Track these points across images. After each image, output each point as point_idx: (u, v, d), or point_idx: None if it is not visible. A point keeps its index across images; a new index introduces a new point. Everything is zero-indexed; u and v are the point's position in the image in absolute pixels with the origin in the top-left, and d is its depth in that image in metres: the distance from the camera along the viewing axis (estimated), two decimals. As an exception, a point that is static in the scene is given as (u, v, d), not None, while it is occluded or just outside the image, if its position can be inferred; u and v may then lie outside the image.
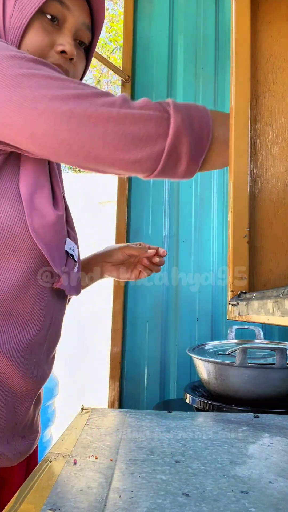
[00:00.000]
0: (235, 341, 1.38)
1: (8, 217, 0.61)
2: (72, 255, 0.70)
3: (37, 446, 0.80)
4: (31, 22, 0.63)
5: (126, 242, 1.75)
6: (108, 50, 6.14)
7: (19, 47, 0.63)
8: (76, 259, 0.71)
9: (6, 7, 0.63)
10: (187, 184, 1.79)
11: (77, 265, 0.72)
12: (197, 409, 1.10)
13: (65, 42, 0.65)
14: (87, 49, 0.73)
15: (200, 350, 1.29)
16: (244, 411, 1.00)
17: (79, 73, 0.71)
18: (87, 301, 3.72)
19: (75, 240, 0.74)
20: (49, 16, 0.64)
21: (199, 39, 1.85)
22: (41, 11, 0.63)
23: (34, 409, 0.74)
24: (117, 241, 1.75)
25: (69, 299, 0.79)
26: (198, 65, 1.84)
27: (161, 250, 0.89)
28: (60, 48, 0.65)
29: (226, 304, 1.48)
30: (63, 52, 0.65)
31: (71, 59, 0.67)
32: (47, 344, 0.71)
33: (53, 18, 0.65)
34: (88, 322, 3.51)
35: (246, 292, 1.29)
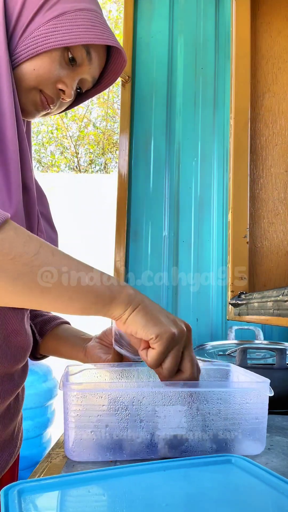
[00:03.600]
0: (235, 341, 1.38)
1: None
2: None
3: (17, 458, 0.75)
4: (54, 49, 0.63)
5: (126, 243, 1.76)
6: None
7: (25, 59, 0.62)
8: None
9: (39, 12, 0.61)
10: (187, 185, 1.79)
11: None
12: (197, 410, 1.10)
13: (69, 85, 0.66)
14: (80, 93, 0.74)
15: (199, 350, 1.29)
16: (244, 411, 1.00)
17: (60, 111, 0.73)
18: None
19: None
20: (70, 56, 0.64)
21: (199, 40, 1.85)
22: (67, 46, 0.64)
23: (7, 424, 0.67)
24: (117, 242, 1.75)
25: None
26: (198, 65, 1.84)
27: None
28: (62, 87, 0.66)
29: (226, 304, 1.48)
30: (61, 90, 0.66)
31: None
32: (8, 358, 0.64)
33: (73, 59, 0.65)
34: (88, 322, 3.51)
35: (246, 293, 1.30)
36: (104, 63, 0.71)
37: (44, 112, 0.69)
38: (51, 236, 0.72)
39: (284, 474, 0.54)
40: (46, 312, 0.82)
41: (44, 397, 1.95)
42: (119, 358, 0.69)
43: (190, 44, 1.85)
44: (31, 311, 0.79)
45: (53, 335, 0.78)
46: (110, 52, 0.72)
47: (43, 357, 0.81)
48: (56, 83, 0.65)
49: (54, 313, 0.83)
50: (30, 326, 0.77)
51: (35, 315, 0.81)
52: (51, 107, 0.67)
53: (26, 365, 0.71)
